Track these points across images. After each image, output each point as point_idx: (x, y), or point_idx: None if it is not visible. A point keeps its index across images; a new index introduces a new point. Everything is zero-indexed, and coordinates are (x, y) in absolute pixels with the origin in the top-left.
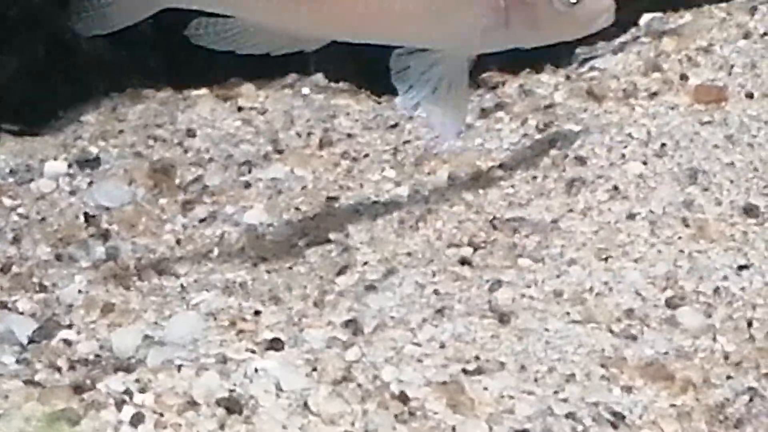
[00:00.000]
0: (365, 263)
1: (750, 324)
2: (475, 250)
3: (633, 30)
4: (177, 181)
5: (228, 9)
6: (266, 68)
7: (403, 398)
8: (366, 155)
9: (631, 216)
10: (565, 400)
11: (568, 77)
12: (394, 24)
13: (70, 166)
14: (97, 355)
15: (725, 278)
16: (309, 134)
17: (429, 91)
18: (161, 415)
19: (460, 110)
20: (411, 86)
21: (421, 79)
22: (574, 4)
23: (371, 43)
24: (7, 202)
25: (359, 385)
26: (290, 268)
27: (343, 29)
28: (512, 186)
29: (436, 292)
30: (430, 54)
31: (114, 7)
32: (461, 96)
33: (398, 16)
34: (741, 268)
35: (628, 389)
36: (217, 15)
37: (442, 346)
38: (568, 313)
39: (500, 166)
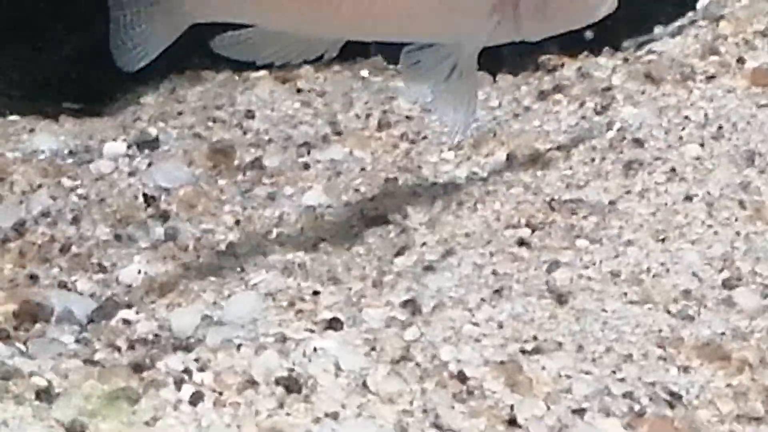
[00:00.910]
0: (424, 244)
1: None
2: (533, 231)
3: (690, 14)
4: (236, 162)
5: (251, 18)
6: None
7: (462, 377)
8: (424, 137)
9: (689, 198)
10: (622, 380)
11: (625, 60)
12: (407, 21)
13: (129, 147)
14: (156, 335)
15: None
16: (368, 116)
17: (439, 86)
18: (220, 393)
19: (471, 104)
20: (420, 81)
21: (431, 74)
22: None
23: (384, 41)
24: (67, 182)
25: (418, 365)
26: (349, 249)
27: (359, 29)
28: (570, 168)
29: (494, 272)
30: (439, 49)
31: (148, 36)
32: (471, 89)
33: (411, 13)
34: None
35: (684, 369)
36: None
37: (501, 326)
38: (625, 294)
39: (558, 148)
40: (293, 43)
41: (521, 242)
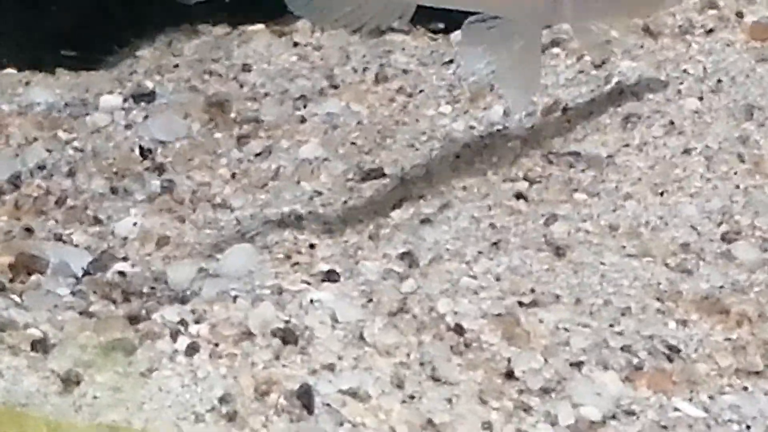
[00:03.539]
0: (421, 197)
1: None
2: (531, 184)
3: None
4: (232, 115)
5: None
6: None
7: (459, 330)
8: (421, 91)
9: (687, 151)
10: (620, 333)
11: None
12: None
13: (125, 100)
14: (152, 287)
15: None
16: (365, 69)
17: (500, 61)
18: (216, 345)
19: (533, 82)
20: (479, 54)
21: (493, 48)
22: None
23: (452, 8)
24: (63, 135)
25: (414, 317)
26: (345, 202)
27: None
28: (568, 121)
29: (491, 225)
30: (504, 22)
31: None
32: (535, 65)
33: None
34: None
35: (683, 323)
36: None
37: (498, 279)
38: (623, 247)
39: (556, 101)
40: (365, 4)
41: (519, 195)
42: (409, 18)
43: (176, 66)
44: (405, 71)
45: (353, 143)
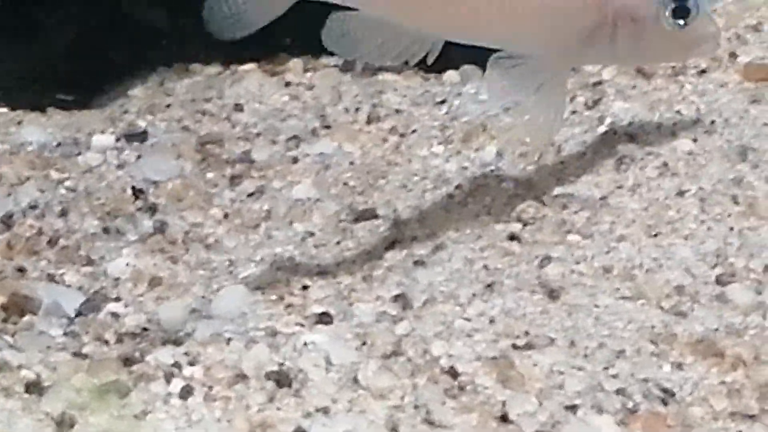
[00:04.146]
0: (414, 238)
1: None
2: (524, 225)
3: None
4: (225, 155)
5: (356, 2)
6: (313, 45)
7: (453, 373)
8: (414, 131)
9: (681, 193)
10: (615, 376)
11: None
12: (502, 26)
13: (117, 139)
14: (145, 329)
15: None
16: (357, 109)
17: (522, 98)
18: (210, 387)
19: (555, 121)
20: (502, 90)
21: (520, 85)
22: (682, 26)
23: (481, 45)
24: (55, 175)
25: (409, 360)
26: (338, 243)
27: (461, 28)
28: (561, 162)
29: (485, 267)
30: (530, 61)
31: (251, 5)
32: (558, 106)
33: (507, 19)
34: None
35: (678, 366)
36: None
37: (492, 321)
38: (617, 289)
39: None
40: (394, 37)
41: (512, 237)
42: (436, 53)
43: (168, 106)
44: (397, 111)
45: (346, 184)
